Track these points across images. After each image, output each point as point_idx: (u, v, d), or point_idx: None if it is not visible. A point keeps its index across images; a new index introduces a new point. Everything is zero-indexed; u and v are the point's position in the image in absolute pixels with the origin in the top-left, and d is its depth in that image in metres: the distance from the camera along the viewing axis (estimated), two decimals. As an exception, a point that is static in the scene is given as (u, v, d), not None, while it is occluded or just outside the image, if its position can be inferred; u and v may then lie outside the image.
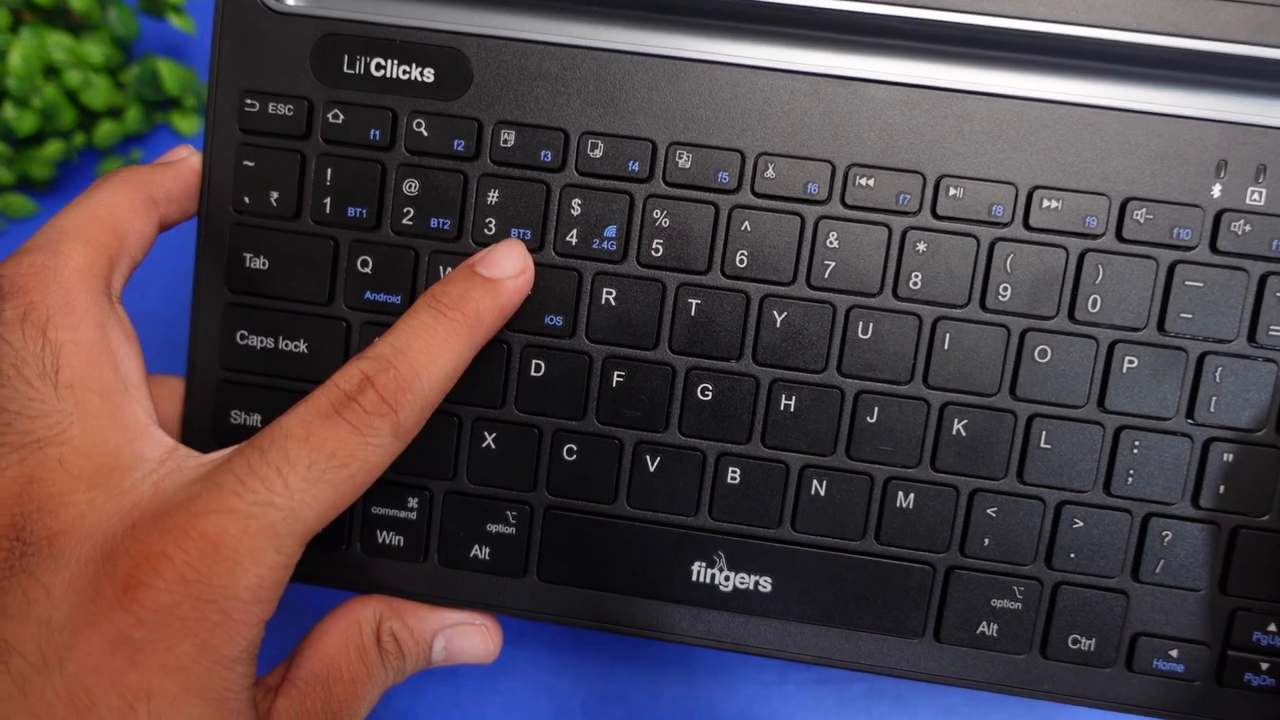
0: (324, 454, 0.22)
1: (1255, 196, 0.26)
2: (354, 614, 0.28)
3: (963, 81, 0.27)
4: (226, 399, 0.29)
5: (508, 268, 0.26)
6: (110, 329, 0.25)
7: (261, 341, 0.29)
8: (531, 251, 0.28)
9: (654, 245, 0.28)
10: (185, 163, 0.28)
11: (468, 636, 0.29)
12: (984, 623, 0.28)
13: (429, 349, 0.24)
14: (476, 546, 0.29)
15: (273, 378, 0.29)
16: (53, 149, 0.38)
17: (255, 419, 0.29)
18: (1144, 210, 0.26)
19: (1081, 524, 0.27)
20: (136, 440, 0.24)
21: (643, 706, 0.37)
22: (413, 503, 0.29)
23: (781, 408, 0.28)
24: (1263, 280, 0.26)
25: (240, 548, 0.22)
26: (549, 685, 0.37)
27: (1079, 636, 0.28)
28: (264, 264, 0.28)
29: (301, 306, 0.29)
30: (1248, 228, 0.26)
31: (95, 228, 0.26)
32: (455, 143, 0.28)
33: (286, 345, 0.29)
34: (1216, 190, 0.26)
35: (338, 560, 0.29)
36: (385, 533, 0.29)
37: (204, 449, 0.29)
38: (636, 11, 0.27)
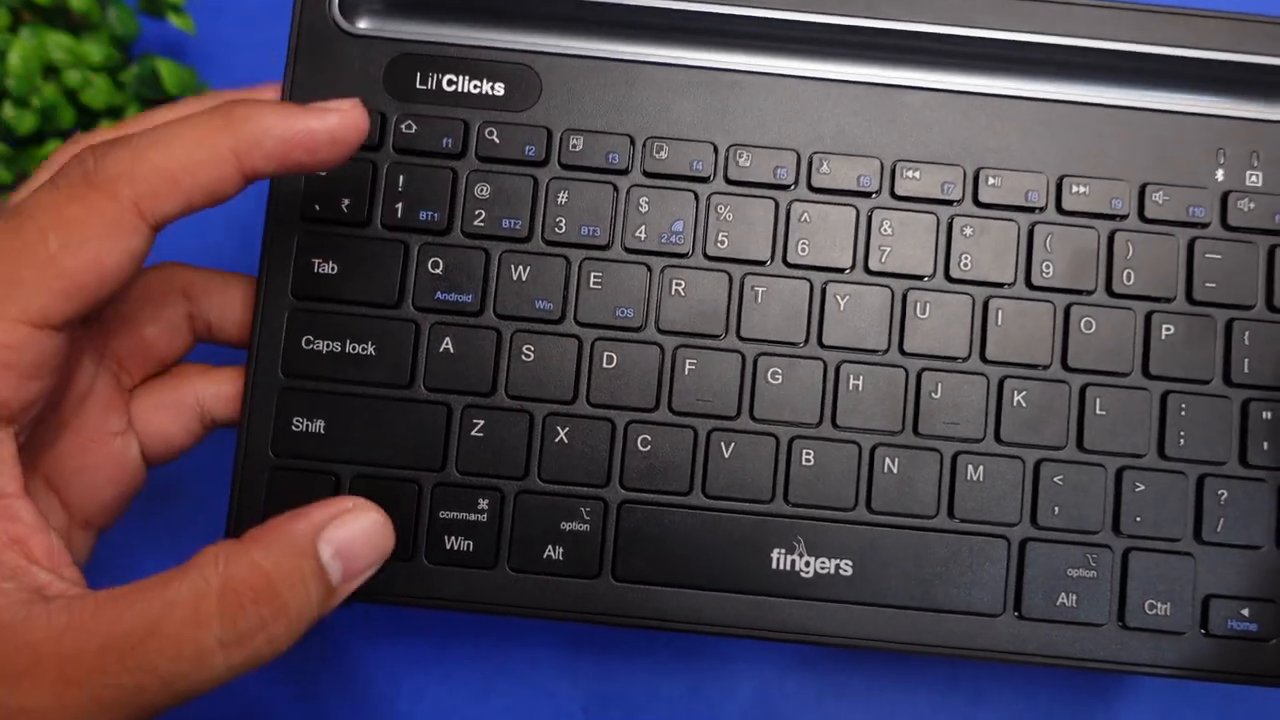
0: None
1: (1254, 179, 0.29)
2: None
3: (991, 87, 0.30)
4: (289, 406, 0.28)
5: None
6: None
7: (328, 346, 0.29)
8: (601, 248, 0.29)
9: (719, 238, 0.29)
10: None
11: (351, 525, 0.23)
12: (1063, 594, 0.28)
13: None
14: (550, 547, 0.28)
15: (338, 382, 0.28)
16: (52, 149, 0.37)
17: (318, 425, 0.28)
18: (1160, 193, 0.29)
19: (1143, 487, 0.28)
20: None
21: (643, 706, 0.36)
22: (483, 504, 0.28)
23: (850, 388, 0.29)
24: (1270, 251, 0.29)
25: None
26: (549, 686, 0.36)
27: (1154, 602, 0.28)
28: (332, 269, 0.29)
29: (370, 310, 0.29)
30: (1252, 205, 0.29)
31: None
32: (526, 148, 0.29)
33: (354, 348, 0.28)
34: (1220, 174, 0.29)
35: (401, 574, 0.28)
36: (454, 538, 0.28)
37: (262, 458, 0.28)
38: (694, 34, 0.30)
